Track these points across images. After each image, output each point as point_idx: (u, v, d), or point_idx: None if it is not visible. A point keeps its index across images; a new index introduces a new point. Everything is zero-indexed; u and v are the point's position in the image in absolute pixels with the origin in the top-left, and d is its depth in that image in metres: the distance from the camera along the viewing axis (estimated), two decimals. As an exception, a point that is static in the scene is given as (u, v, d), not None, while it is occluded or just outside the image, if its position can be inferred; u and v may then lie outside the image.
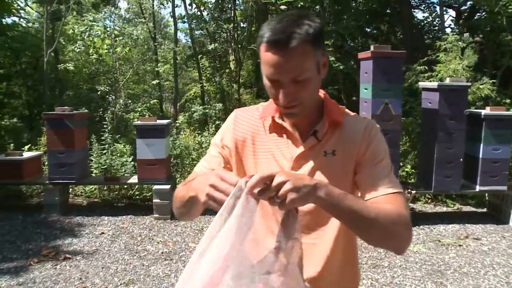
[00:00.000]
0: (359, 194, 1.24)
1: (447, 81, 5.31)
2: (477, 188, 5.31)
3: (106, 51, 10.05)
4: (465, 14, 11.33)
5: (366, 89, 5.14)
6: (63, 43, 11.14)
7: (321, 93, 1.32)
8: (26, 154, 5.83)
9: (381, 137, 1.28)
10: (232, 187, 0.99)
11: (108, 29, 9.96)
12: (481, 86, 6.76)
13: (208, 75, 11.85)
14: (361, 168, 1.24)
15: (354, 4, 10.64)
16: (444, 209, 5.87)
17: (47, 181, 5.53)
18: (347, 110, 1.34)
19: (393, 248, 1.17)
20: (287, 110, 1.19)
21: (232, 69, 11.79)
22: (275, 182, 0.96)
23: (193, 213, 1.23)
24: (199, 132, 8.67)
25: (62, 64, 10.01)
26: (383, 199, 1.17)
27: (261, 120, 1.33)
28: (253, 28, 11.70)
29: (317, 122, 1.27)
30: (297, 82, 1.13)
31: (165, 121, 5.74)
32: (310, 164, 1.25)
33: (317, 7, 9.96)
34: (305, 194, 0.97)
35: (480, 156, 5.25)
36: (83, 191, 6.35)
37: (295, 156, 1.26)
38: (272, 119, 1.30)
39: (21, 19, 11.45)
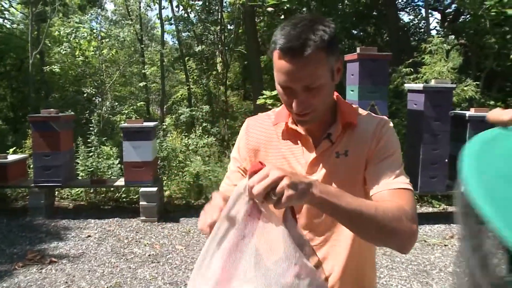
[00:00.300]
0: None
1: (432, 82, 5.37)
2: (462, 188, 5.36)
3: (93, 53, 9.98)
4: (450, 16, 11.46)
5: (352, 90, 5.18)
6: (49, 45, 11.06)
7: (334, 94, 1.29)
8: (11, 157, 5.77)
9: (392, 133, 1.26)
10: (208, 226, 1.00)
11: (94, 31, 9.91)
12: (465, 88, 6.84)
13: (195, 77, 11.85)
14: (369, 163, 1.22)
15: (340, 6, 10.72)
16: (430, 209, 5.93)
17: (32, 184, 5.48)
18: (360, 110, 1.32)
19: (396, 246, 1.11)
20: (300, 118, 1.18)
21: (219, 71, 11.80)
22: (272, 177, 0.91)
23: None
24: (186, 134, 8.65)
25: (47, 66, 9.93)
26: (388, 194, 1.14)
27: (274, 127, 1.32)
28: (240, 30, 11.73)
29: (330, 125, 1.25)
30: (310, 90, 1.11)
31: (151, 123, 5.71)
32: (324, 167, 1.24)
33: (304, 9, 10.01)
34: (301, 191, 0.93)
35: (465, 157, 5.30)
36: (69, 194, 6.30)
37: (309, 161, 1.24)
38: (286, 125, 1.29)
39: (6, 21, 11.35)
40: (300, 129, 1.26)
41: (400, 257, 4.30)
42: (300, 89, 1.11)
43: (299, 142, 1.27)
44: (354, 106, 1.32)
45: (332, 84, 1.16)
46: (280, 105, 1.35)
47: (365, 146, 1.22)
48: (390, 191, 1.14)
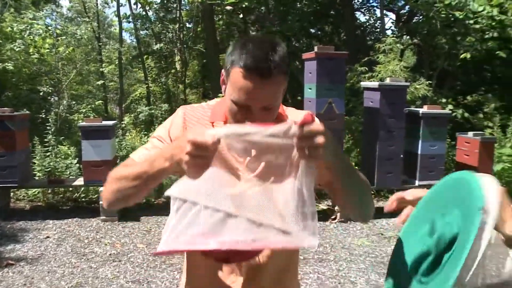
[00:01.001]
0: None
1: (387, 81, 5.56)
2: (417, 183, 5.58)
3: (48, 50, 9.72)
4: (404, 17, 11.80)
5: (310, 89, 5.29)
6: (0, 41, 10.68)
7: None
8: (-37, 158, 5.58)
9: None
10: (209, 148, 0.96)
11: (49, 27, 9.66)
12: (418, 86, 7.09)
13: (153, 76, 11.75)
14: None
15: (299, 5, 10.86)
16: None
17: (-13, 185, 5.32)
18: (284, 107, 1.35)
19: (368, 213, 1.26)
20: None
21: (178, 69, 11.73)
22: (315, 128, 0.95)
23: (143, 194, 1.19)
24: (145, 133, 8.60)
25: (0, 64, 9.61)
26: None
27: (211, 123, 1.29)
28: (198, 29, 11.70)
29: None
30: (268, 110, 1.13)
31: (110, 122, 5.66)
32: (262, 165, 1.24)
33: (262, 8, 10.09)
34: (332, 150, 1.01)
35: (419, 152, 5.53)
36: (25, 194, 6.14)
37: (247, 159, 1.23)
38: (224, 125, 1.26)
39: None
40: None
41: (358, 250, 4.44)
42: (258, 109, 1.12)
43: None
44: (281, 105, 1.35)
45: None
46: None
47: None
48: None
